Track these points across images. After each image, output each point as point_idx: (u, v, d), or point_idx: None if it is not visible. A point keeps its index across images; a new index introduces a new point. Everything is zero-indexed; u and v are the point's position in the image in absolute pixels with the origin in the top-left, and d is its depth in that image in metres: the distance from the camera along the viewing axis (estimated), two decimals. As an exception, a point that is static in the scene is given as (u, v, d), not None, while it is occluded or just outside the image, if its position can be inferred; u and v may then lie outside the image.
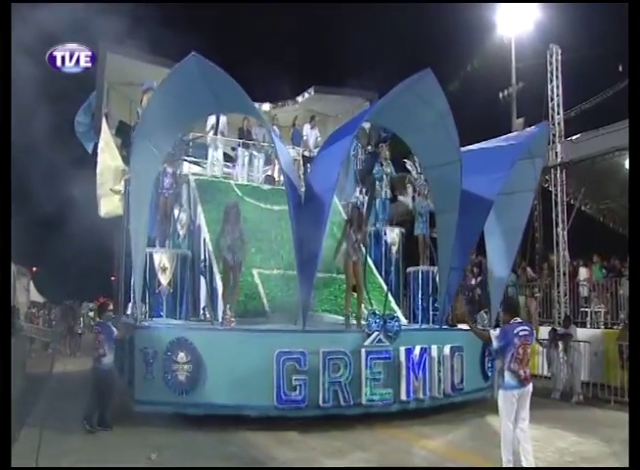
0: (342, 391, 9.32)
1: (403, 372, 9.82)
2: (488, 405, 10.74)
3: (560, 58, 17.04)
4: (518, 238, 12.81)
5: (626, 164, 15.68)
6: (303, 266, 9.70)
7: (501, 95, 21.99)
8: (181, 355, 9.23)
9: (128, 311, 12.60)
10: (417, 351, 10.03)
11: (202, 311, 12.07)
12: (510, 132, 16.60)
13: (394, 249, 14.86)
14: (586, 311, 15.93)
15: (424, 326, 12.39)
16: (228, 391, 9.21)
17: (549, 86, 16.91)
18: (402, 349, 9.89)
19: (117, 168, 14.89)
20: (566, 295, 16.24)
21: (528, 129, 12.09)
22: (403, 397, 9.82)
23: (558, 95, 16.77)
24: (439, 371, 10.30)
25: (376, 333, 9.74)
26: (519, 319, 6.88)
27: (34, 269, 34.22)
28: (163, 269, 11.52)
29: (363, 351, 9.56)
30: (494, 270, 12.94)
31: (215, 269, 11.97)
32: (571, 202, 17.93)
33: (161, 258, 11.57)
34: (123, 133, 15.42)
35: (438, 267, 11.83)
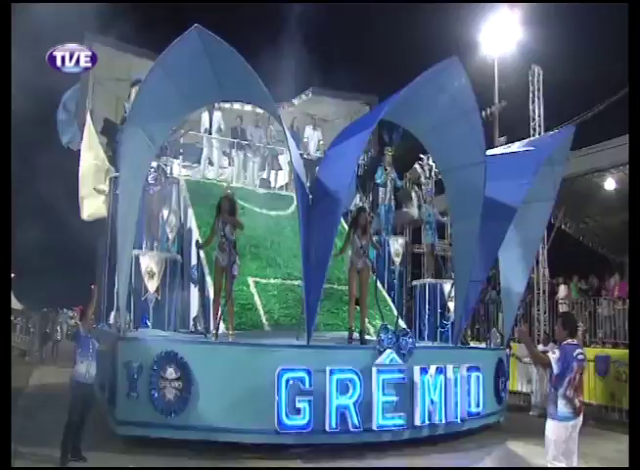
0: (350, 414, 8.30)
1: (418, 394, 8.83)
2: (505, 430, 10.35)
3: (541, 78, 17.02)
4: (534, 250, 12.04)
5: (605, 186, 16.28)
6: (310, 273, 8.71)
7: (484, 114, 21.69)
8: (170, 371, 8.17)
9: (111, 320, 11.48)
10: (432, 371, 9.05)
11: (192, 322, 10.97)
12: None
13: (398, 260, 13.97)
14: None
15: (438, 344, 11.42)
16: (223, 413, 8.15)
17: (531, 106, 16.85)
18: (417, 368, 8.91)
19: (101, 168, 13.97)
20: (545, 313, 16.20)
21: (553, 133, 11.19)
22: (417, 422, 8.82)
23: (539, 115, 16.69)
24: (456, 394, 9.32)
25: (389, 350, 8.74)
26: (575, 340, 5.88)
27: (12, 276, 32.88)
28: (151, 274, 10.46)
29: (374, 369, 8.56)
30: (509, 285, 12.03)
31: (208, 276, 10.93)
32: (552, 221, 17.76)
33: (149, 262, 10.50)
34: (109, 132, 14.47)
35: (455, 280, 10.87)
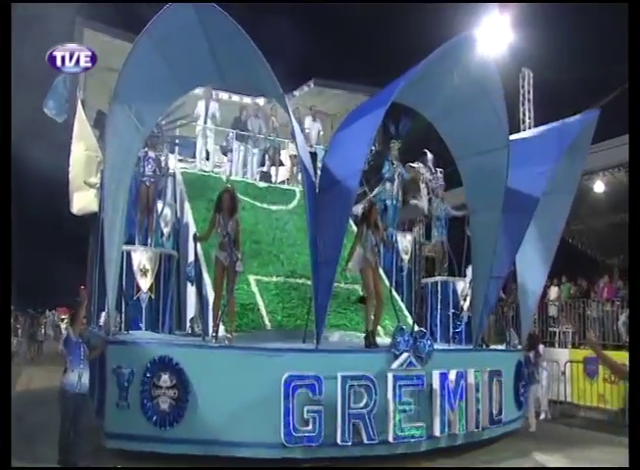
0: (364, 425, 7.54)
1: (437, 402, 8.09)
2: (524, 438, 9.87)
3: (532, 81, 17.21)
4: (553, 246, 11.21)
5: (595, 188, 16.30)
6: (319, 269, 7.93)
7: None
8: (164, 378, 7.41)
9: (101, 322, 10.70)
10: (452, 376, 8.32)
11: (189, 324, 10.19)
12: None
13: (407, 257, 13.25)
14: (555, 331, 16.18)
15: (456, 347, 10.72)
16: (223, 424, 7.37)
17: (521, 109, 16.99)
18: (436, 373, 8.17)
19: (93, 159, 13.23)
20: (535, 315, 15.74)
21: (576, 117, 10.46)
22: (437, 432, 8.07)
23: (530, 118, 16.86)
24: (477, 400, 8.58)
25: (406, 354, 7.97)
26: None
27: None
28: (144, 272, 9.73)
29: (390, 375, 7.81)
30: (526, 283, 11.32)
31: (206, 274, 10.15)
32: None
33: (141, 259, 9.77)
34: (102, 125, 13.72)
35: (473, 276, 10.12)
